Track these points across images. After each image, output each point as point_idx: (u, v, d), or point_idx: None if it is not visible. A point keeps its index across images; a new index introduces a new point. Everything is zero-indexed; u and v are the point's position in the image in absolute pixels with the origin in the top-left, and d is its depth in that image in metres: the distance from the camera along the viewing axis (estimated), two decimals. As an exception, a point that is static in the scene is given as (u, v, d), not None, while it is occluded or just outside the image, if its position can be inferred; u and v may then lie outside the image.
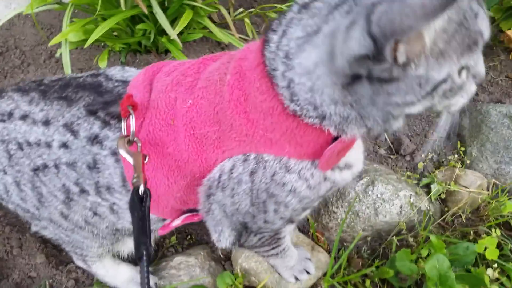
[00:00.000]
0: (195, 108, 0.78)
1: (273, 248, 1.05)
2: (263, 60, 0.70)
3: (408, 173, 1.42)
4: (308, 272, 1.21)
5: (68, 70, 1.58)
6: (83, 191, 0.91)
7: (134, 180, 0.73)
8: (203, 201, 0.86)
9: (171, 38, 1.52)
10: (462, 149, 1.46)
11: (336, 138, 0.73)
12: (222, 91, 0.76)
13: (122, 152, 0.76)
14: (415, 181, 1.39)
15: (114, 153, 0.84)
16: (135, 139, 0.78)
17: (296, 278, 1.20)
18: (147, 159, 0.80)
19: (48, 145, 0.87)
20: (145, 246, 0.70)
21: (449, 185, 1.34)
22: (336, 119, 0.68)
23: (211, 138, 0.78)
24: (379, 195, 1.27)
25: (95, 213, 0.96)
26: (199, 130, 0.78)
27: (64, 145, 0.86)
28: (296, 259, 1.17)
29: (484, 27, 0.63)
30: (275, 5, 1.80)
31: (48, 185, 0.91)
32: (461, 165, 1.42)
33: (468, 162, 1.43)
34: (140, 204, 0.71)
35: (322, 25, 0.62)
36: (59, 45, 1.58)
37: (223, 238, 0.94)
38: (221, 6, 1.78)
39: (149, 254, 0.71)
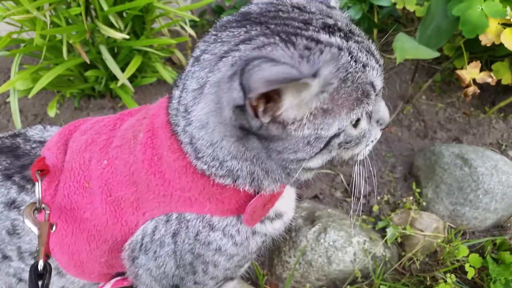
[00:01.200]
0: (110, 169, 0.75)
1: None
2: (168, 118, 0.69)
3: (364, 216, 1.39)
4: None
5: (16, 118, 1.54)
6: (5, 257, 0.85)
7: (35, 255, 0.68)
8: (129, 266, 0.82)
9: (121, 83, 1.50)
10: (418, 190, 1.45)
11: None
12: (136, 150, 0.73)
13: (27, 222, 0.72)
14: (370, 225, 1.36)
15: None
16: (43, 206, 0.74)
17: None
18: (54, 228, 0.74)
19: None
20: None
21: (404, 228, 1.32)
22: (244, 175, 0.67)
23: (128, 200, 0.75)
24: (331, 243, 1.23)
25: (20, 280, 0.89)
26: (115, 193, 0.75)
27: None
28: None
29: (374, 77, 0.63)
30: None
31: None
32: (417, 207, 1.39)
33: (424, 204, 1.41)
34: (36, 284, 0.66)
35: (209, 76, 0.62)
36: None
37: None
38: (176, 49, 1.77)
39: None
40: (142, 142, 0.72)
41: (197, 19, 1.67)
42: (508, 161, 1.42)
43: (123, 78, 1.46)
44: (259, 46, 0.59)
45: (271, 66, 0.52)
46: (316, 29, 0.60)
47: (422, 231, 1.31)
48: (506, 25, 1.44)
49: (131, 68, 1.47)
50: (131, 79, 1.63)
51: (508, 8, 1.43)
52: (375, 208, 1.41)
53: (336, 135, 0.62)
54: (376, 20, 1.96)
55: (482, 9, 1.41)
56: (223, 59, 0.60)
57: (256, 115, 0.57)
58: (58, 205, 0.77)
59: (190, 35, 1.67)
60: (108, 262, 0.84)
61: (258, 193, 0.71)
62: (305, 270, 1.22)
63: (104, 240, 0.79)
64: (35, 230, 0.71)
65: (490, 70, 1.62)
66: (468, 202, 1.35)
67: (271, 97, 0.55)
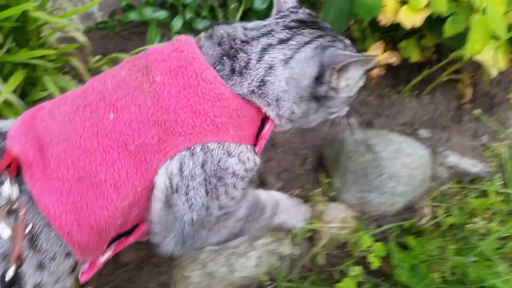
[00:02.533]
0: (121, 120, 0.77)
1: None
2: (203, 59, 0.82)
3: (273, 215, 1.34)
4: None
5: None
6: None
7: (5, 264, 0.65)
8: (157, 211, 0.84)
9: (3, 99, 1.38)
10: (326, 181, 1.41)
11: (260, 130, 0.89)
12: (152, 92, 0.78)
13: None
14: (278, 224, 1.32)
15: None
16: (14, 207, 0.70)
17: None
18: (28, 229, 0.71)
19: None
20: None
21: (312, 223, 1.28)
22: (286, 109, 0.87)
23: (149, 144, 0.78)
24: (232, 250, 1.18)
25: None
26: (133, 141, 0.76)
27: None
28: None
29: None
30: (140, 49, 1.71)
31: None
32: (326, 199, 1.36)
33: (333, 194, 1.38)
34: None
35: (295, 53, 0.86)
36: None
37: (172, 243, 0.89)
38: (73, 57, 1.66)
39: None
40: (163, 83, 0.79)
41: (80, 25, 1.57)
42: (412, 143, 1.40)
43: (3, 95, 1.35)
44: (330, 41, 0.90)
45: (344, 51, 0.89)
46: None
47: (329, 222, 1.28)
48: (404, 2, 1.41)
49: (12, 84, 1.36)
50: (21, 95, 1.51)
51: (399, -14, 1.40)
52: (284, 205, 1.37)
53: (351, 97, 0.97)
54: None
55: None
56: (308, 44, 0.87)
57: (329, 82, 0.87)
58: (62, 180, 0.74)
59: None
60: (123, 223, 0.82)
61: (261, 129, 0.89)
62: (208, 283, 1.17)
63: (124, 197, 0.77)
64: (6, 233, 0.68)
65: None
66: (374, 188, 1.33)
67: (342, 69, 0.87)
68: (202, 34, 0.91)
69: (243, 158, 0.85)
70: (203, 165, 0.81)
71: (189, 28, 1.95)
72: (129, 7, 2.22)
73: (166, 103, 0.77)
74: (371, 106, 1.73)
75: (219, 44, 0.86)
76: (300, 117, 0.90)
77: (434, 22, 1.39)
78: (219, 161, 0.82)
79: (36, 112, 0.82)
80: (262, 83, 0.84)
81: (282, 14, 0.94)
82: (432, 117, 1.73)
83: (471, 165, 1.48)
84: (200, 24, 1.93)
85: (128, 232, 0.90)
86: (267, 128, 0.89)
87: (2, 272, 0.63)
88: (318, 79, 0.86)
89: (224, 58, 0.84)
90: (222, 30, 0.89)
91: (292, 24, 0.90)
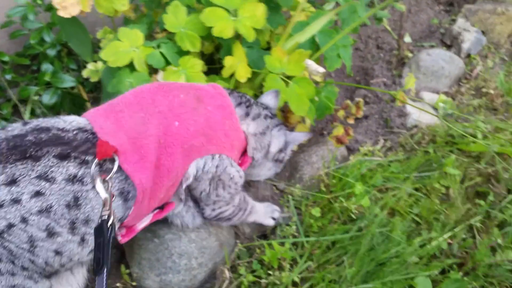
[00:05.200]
0: (183, 127, 1.12)
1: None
2: (233, 109, 1.26)
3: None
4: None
5: None
6: (51, 234, 0.99)
7: (104, 214, 0.95)
8: (182, 192, 1.22)
9: None
10: (127, 271, 1.43)
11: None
12: (203, 116, 1.17)
13: (98, 185, 0.98)
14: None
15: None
16: (107, 179, 0.99)
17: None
18: (114, 198, 1.01)
19: (16, 201, 0.94)
20: (106, 265, 0.88)
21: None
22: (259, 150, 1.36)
23: (195, 146, 1.14)
24: None
25: (57, 253, 1.03)
26: (187, 142, 1.12)
27: (38, 194, 0.96)
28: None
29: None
30: None
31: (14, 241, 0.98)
32: (129, 289, 1.38)
33: (135, 284, 1.40)
34: (106, 232, 0.92)
35: (271, 131, 1.40)
36: None
37: (194, 217, 1.36)
38: None
39: (108, 269, 0.89)
40: (212, 111, 1.19)
41: None
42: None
43: None
44: (284, 128, 1.42)
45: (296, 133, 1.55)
46: None
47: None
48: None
49: None
50: None
51: (158, 75, 1.50)
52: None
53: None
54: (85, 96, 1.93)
55: (131, 82, 1.45)
56: (275, 128, 1.41)
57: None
58: (148, 167, 1.06)
59: None
60: (163, 198, 1.16)
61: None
62: None
63: (169, 178, 1.11)
64: (103, 193, 0.97)
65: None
66: (169, 269, 1.38)
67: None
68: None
69: (238, 169, 1.28)
70: (217, 167, 1.21)
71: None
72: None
73: (212, 124, 1.17)
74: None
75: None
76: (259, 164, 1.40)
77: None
78: (226, 167, 1.23)
79: (118, 114, 1.10)
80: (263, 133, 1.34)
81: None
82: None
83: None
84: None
85: (161, 208, 1.22)
86: (247, 160, 1.33)
87: (106, 217, 0.94)
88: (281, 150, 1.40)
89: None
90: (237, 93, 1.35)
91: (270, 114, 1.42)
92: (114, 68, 1.47)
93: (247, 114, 1.30)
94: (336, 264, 1.49)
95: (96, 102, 1.96)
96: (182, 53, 1.48)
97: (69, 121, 1.07)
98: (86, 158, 1.00)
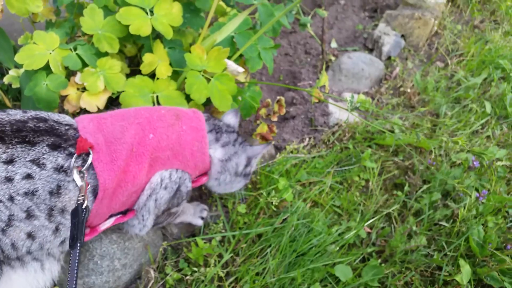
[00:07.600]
0: (156, 139, 1.21)
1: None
2: (205, 132, 1.34)
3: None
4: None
5: None
6: (30, 216, 1.07)
7: (80, 198, 1.07)
8: (145, 199, 1.27)
9: None
10: (47, 277, 1.40)
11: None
12: (176, 133, 1.25)
13: (75, 176, 1.07)
14: None
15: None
16: (83, 170, 1.09)
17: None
18: (88, 186, 1.10)
19: (9, 179, 1.03)
20: (80, 240, 1.03)
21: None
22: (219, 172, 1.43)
23: (161, 159, 1.23)
24: None
25: (30, 236, 1.09)
26: (155, 153, 1.21)
27: (29, 176, 1.04)
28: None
29: None
30: None
31: None
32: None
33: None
34: (81, 214, 1.05)
35: (235, 152, 1.46)
36: None
37: (147, 223, 1.34)
38: None
39: (82, 244, 1.04)
40: (186, 131, 1.28)
41: None
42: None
43: None
44: (246, 145, 1.49)
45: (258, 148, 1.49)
46: None
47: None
48: (84, 89, 1.50)
49: None
50: None
51: (76, 77, 1.49)
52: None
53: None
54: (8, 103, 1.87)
55: (47, 84, 1.44)
56: (239, 146, 1.46)
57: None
58: (115, 170, 1.14)
59: None
60: (125, 202, 1.24)
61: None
62: None
63: (134, 184, 1.20)
64: (79, 181, 1.06)
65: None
66: (91, 272, 1.36)
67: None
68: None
69: (189, 183, 1.35)
70: (179, 178, 1.30)
71: None
72: None
73: (182, 142, 1.26)
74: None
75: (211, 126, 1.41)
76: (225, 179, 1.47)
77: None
78: (185, 180, 1.33)
79: (101, 119, 1.20)
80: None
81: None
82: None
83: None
84: None
85: (123, 213, 1.29)
86: (204, 179, 1.42)
87: (81, 201, 1.06)
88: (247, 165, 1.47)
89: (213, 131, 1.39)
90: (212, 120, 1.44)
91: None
92: (32, 71, 1.45)
93: (216, 140, 1.38)
94: (261, 257, 1.54)
95: (19, 109, 1.90)
96: (100, 54, 1.49)
97: (62, 116, 1.19)
98: (73, 152, 1.10)
